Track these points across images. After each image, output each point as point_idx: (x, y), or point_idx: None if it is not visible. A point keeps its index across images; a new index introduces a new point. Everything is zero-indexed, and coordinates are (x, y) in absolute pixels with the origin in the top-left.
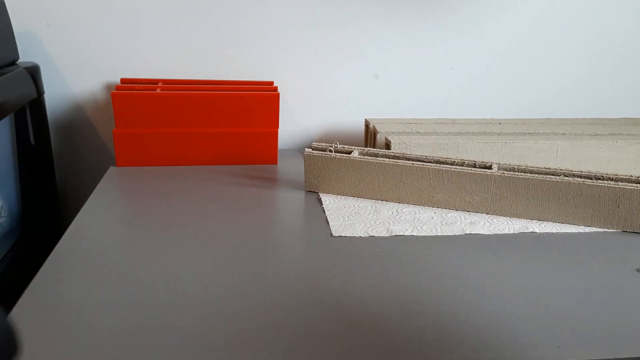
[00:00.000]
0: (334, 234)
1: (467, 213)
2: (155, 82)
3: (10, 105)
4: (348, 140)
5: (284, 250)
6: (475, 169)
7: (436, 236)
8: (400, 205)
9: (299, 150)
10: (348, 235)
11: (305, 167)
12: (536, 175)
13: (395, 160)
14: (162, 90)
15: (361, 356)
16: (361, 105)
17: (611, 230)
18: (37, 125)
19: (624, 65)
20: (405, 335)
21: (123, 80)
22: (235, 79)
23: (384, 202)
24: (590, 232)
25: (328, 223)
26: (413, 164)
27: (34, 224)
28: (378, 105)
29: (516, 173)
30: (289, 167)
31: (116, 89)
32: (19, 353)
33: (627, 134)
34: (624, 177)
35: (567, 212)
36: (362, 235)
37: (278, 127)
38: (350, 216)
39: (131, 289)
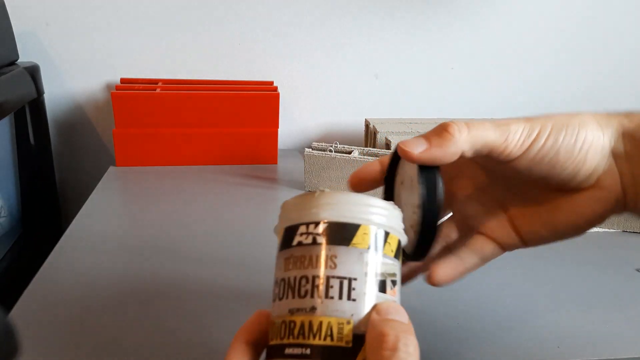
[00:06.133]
0: None
1: None
2: (155, 82)
3: (10, 105)
4: (348, 140)
5: None
6: None
7: None
8: None
9: (299, 150)
10: None
11: (305, 167)
12: None
13: None
14: (162, 90)
15: None
16: (361, 105)
17: (611, 230)
18: (37, 125)
19: (628, 65)
20: None
21: (123, 80)
22: (235, 79)
23: None
24: (591, 232)
25: None
26: None
27: (33, 223)
28: (378, 105)
29: None
30: (289, 167)
31: (116, 89)
32: (19, 353)
33: None
34: None
35: None
36: None
37: (278, 127)
38: None
39: (131, 289)
